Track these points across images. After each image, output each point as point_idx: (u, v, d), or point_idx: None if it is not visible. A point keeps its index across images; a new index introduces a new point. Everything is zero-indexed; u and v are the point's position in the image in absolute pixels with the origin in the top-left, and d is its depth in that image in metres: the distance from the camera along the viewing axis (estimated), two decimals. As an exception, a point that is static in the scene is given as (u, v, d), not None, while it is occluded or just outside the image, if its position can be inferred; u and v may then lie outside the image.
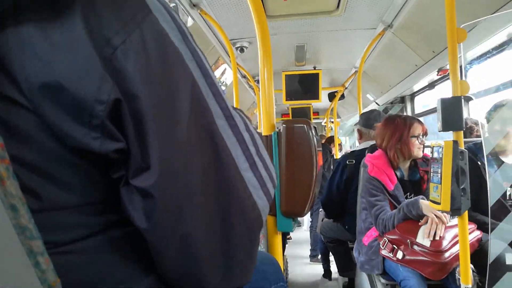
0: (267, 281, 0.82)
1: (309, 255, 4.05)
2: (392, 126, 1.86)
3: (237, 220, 0.48)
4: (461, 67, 1.25)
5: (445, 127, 1.19)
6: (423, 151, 1.86)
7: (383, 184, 1.79)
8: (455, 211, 1.21)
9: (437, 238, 1.51)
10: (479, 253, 1.57)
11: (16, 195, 0.30)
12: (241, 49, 3.08)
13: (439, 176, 1.22)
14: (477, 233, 1.64)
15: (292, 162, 1.12)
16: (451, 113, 1.17)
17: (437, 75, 2.67)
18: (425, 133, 1.84)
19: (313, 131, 1.12)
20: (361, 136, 2.56)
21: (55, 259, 0.33)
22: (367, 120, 2.49)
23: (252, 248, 0.52)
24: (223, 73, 3.71)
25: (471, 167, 1.25)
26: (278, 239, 1.24)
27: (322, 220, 2.79)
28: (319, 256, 3.86)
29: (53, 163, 0.40)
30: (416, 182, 1.88)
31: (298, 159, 1.12)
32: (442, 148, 1.21)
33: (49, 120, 0.37)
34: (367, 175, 1.87)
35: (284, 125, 1.15)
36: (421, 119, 2.25)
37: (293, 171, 1.13)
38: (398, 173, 1.85)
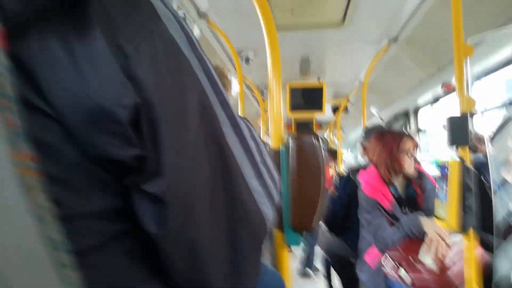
0: None
1: (299, 268, 4.00)
2: (382, 141, 1.84)
3: (242, 226, 0.48)
4: (467, 83, 1.23)
5: (452, 142, 1.17)
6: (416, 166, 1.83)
7: (378, 203, 1.77)
8: (461, 228, 1.19)
9: (440, 256, 1.48)
10: (488, 277, 1.53)
11: (45, 206, 0.30)
12: (247, 60, 3.10)
13: (445, 194, 1.20)
14: (481, 251, 1.61)
15: (301, 175, 1.12)
16: (458, 130, 1.16)
17: (441, 89, 2.66)
18: (416, 147, 1.81)
19: (322, 145, 1.11)
20: (365, 151, 2.54)
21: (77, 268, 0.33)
22: (368, 135, 2.47)
23: (256, 255, 0.52)
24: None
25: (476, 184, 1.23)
26: (285, 253, 1.22)
27: (323, 236, 2.75)
28: (308, 270, 3.87)
29: (71, 171, 0.40)
30: (411, 197, 1.85)
31: (307, 173, 1.11)
32: (448, 165, 1.19)
33: (73, 129, 0.38)
34: (362, 194, 1.85)
35: (293, 138, 1.15)
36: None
37: (302, 184, 1.12)
38: (392, 190, 1.82)
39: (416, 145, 1.81)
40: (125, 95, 0.38)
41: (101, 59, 0.37)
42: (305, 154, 1.11)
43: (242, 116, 0.57)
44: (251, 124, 0.61)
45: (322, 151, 1.10)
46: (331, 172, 4.55)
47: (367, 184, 1.82)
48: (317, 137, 1.12)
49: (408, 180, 1.87)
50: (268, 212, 0.52)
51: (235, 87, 2.58)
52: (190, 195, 0.43)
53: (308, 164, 1.11)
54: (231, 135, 0.48)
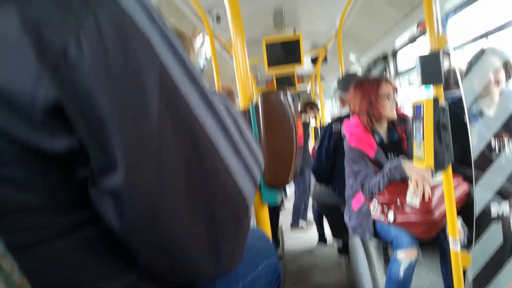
0: (259, 257, 0.82)
1: (290, 224, 4.11)
2: (360, 90, 1.84)
3: (222, 209, 0.46)
4: (437, 20, 1.21)
5: (424, 81, 1.17)
6: (398, 110, 1.84)
7: (364, 152, 1.79)
8: (438, 166, 1.21)
9: (426, 198, 1.52)
10: (467, 207, 1.59)
11: None
12: (217, 19, 2.98)
13: (422, 134, 1.21)
14: (464, 187, 1.66)
15: (271, 132, 1.11)
16: (430, 69, 1.15)
17: (417, 29, 2.62)
18: (395, 91, 1.81)
19: (289, 99, 1.10)
20: (343, 102, 2.53)
21: (22, 262, 0.33)
22: (346, 84, 2.45)
23: (239, 236, 0.51)
24: (202, 45, 3.60)
25: (454, 120, 1.24)
26: (265, 211, 1.24)
27: (314, 187, 2.81)
28: (300, 223, 3.97)
29: (6, 164, 0.37)
30: (396, 143, 1.87)
31: (277, 129, 1.10)
32: (423, 105, 1.19)
33: None
34: (347, 145, 1.86)
35: (259, 95, 1.13)
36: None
37: (273, 141, 1.11)
38: (376, 138, 1.83)
39: (395, 89, 1.81)
40: (39, 86, 0.35)
41: (15, 45, 0.34)
42: (273, 110, 1.10)
43: (217, 90, 0.53)
44: (228, 98, 0.57)
45: (291, 105, 1.09)
46: (314, 123, 4.56)
47: (352, 135, 1.83)
48: (284, 92, 1.10)
49: (392, 125, 1.88)
50: (249, 192, 0.50)
51: (207, 48, 2.49)
52: (154, 187, 0.40)
53: (277, 120, 1.09)
54: (205, 116, 0.44)
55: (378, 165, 1.78)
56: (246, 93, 1.19)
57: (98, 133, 0.37)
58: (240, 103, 1.21)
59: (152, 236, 0.42)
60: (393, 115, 1.79)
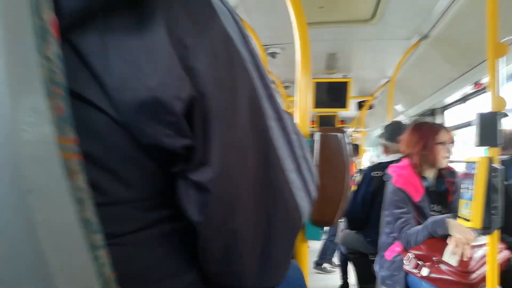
0: (290, 285, 0.82)
1: (314, 261, 3.99)
2: (418, 133, 1.83)
3: (280, 220, 0.49)
4: (498, 81, 1.22)
5: (481, 142, 1.16)
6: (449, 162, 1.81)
7: (408, 195, 1.76)
8: (485, 229, 1.18)
9: (465, 259, 1.47)
10: (506, 274, 1.52)
11: (84, 189, 0.31)
12: (273, 55, 3.10)
13: (471, 193, 1.19)
14: (506, 254, 1.59)
15: (325, 170, 1.11)
16: (488, 129, 1.14)
17: (474, 88, 2.60)
18: (451, 142, 1.79)
19: (348, 140, 1.12)
20: (386, 150, 2.51)
21: (109, 251, 0.34)
22: (391, 133, 2.44)
23: (290, 249, 0.53)
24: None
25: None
26: (305, 247, 1.24)
27: (342, 231, 2.75)
28: (323, 266, 3.85)
29: (119, 159, 0.41)
30: (442, 193, 1.83)
31: (331, 168, 1.11)
32: (476, 163, 1.18)
33: (129, 122, 0.39)
34: (392, 186, 1.83)
35: (319, 133, 1.15)
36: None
37: (325, 179, 1.10)
38: (424, 183, 1.80)
39: (452, 140, 1.79)
40: (182, 88, 0.39)
41: (162, 52, 0.38)
42: (329, 149, 1.11)
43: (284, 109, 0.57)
44: (292, 118, 0.61)
45: (348, 146, 1.11)
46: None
47: (399, 176, 1.81)
48: (343, 133, 1.12)
49: (441, 175, 1.85)
50: (305, 206, 0.52)
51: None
52: (234, 187, 0.44)
53: (332, 159, 1.11)
54: (275, 129, 0.48)
55: (420, 212, 1.74)
56: (305, 128, 1.23)
57: (206, 132, 0.42)
58: None
59: (223, 230, 0.45)
60: (444, 163, 1.77)
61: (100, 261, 0.33)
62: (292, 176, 0.50)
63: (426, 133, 1.80)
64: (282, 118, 0.50)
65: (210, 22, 0.42)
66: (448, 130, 1.82)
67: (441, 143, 1.76)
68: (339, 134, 1.11)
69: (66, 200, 0.30)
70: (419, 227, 1.65)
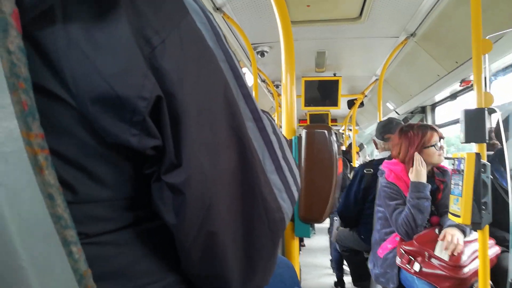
0: (283, 284, 0.82)
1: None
2: (406, 139, 1.84)
3: (261, 221, 0.48)
4: (485, 78, 1.23)
5: (468, 138, 1.17)
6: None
7: (401, 191, 1.77)
8: (475, 225, 1.19)
9: (455, 253, 1.48)
10: (497, 269, 1.53)
11: (54, 185, 0.31)
12: (262, 54, 3.10)
13: (460, 189, 1.20)
14: (496, 249, 1.60)
15: (312, 167, 1.12)
16: (474, 125, 1.15)
17: (460, 85, 2.63)
18: (441, 138, 1.81)
19: (334, 137, 1.12)
20: (377, 147, 2.53)
21: (85, 249, 0.34)
22: (380, 131, 2.46)
23: (273, 250, 0.53)
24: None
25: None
26: (295, 244, 1.24)
27: (337, 229, 2.76)
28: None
29: (90, 158, 0.40)
30: (432, 192, 1.85)
31: (318, 165, 1.12)
32: (464, 160, 1.19)
33: (92, 116, 0.38)
34: (384, 181, 1.85)
35: (305, 130, 1.15)
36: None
37: (313, 176, 1.12)
38: None
39: (441, 136, 1.81)
40: (146, 87, 0.38)
41: (124, 48, 0.37)
42: (316, 146, 1.11)
43: (264, 110, 0.57)
44: (273, 118, 0.61)
45: (335, 144, 1.11)
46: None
47: (391, 172, 1.82)
48: (330, 130, 1.12)
49: (432, 174, 1.87)
50: (288, 207, 0.52)
51: (249, 80, 2.58)
52: (210, 188, 0.43)
53: (319, 156, 1.11)
54: (253, 129, 0.48)
55: None
56: (291, 125, 1.24)
57: (177, 133, 0.41)
58: (285, 134, 1.25)
59: (200, 233, 0.44)
60: (440, 160, 1.79)
61: (74, 257, 0.32)
62: (273, 177, 0.50)
63: (414, 139, 1.81)
64: (259, 118, 0.50)
65: (179, 20, 0.41)
66: (435, 128, 1.83)
67: (430, 146, 1.77)
68: (326, 131, 1.11)
69: (35, 196, 0.30)
70: (407, 211, 1.68)
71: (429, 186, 1.69)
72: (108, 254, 0.43)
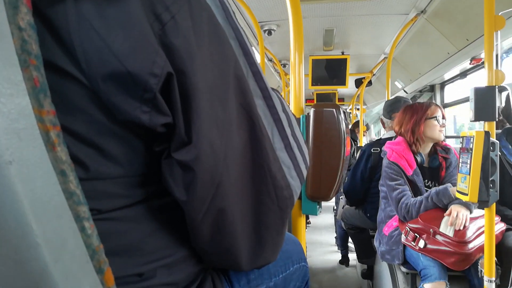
0: (290, 260, 0.84)
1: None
2: (410, 111, 1.87)
3: (270, 198, 0.49)
4: (497, 56, 1.21)
5: (478, 117, 1.16)
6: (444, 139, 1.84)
7: (402, 169, 1.79)
8: (482, 203, 1.20)
9: (461, 228, 1.50)
10: (502, 246, 1.55)
11: (66, 161, 0.32)
12: (269, 32, 3.06)
13: (468, 167, 1.20)
14: (501, 225, 1.62)
15: (320, 146, 1.12)
16: (485, 103, 1.15)
17: (470, 63, 2.58)
18: (443, 117, 1.81)
19: (343, 116, 1.12)
20: (385, 126, 2.52)
21: (97, 225, 0.35)
22: (388, 110, 2.45)
23: (282, 226, 0.54)
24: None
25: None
26: (302, 221, 1.26)
27: (343, 207, 2.79)
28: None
29: (102, 135, 0.41)
30: (434, 169, 1.86)
31: (326, 143, 1.12)
32: (473, 138, 1.18)
33: (103, 93, 0.38)
34: (386, 161, 1.87)
35: (313, 109, 1.15)
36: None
37: (321, 155, 1.12)
38: (418, 158, 1.83)
39: (443, 115, 1.81)
40: (157, 64, 0.38)
41: (135, 24, 0.37)
42: (325, 124, 1.11)
43: (273, 88, 0.57)
44: (282, 96, 0.60)
45: (343, 122, 1.11)
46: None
47: (393, 151, 1.84)
48: (338, 109, 1.13)
49: (434, 151, 1.88)
50: (296, 184, 0.52)
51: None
52: (219, 165, 0.44)
53: (328, 134, 1.11)
54: (262, 107, 0.48)
55: (413, 186, 1.77)
56: (299, 104, 1.24)
57: (187, 110, 0.41)
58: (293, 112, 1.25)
59: (210, 209, 0.45)
60: (441, 137, 1.80)
61: (87, 232, 0.33)
62: (282, 155, 0.51)
63: (416, 110, 1.83)
64: (269, 96, 0.50)
65: None
66: (438, 105, 1.84)
67: (432, 117, 1.78)
68: (334, 109, 1.11)
69: (47, 172, 0.30)
70: (421, 197, 1.68)
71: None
72: (119, 229, 0.44)
